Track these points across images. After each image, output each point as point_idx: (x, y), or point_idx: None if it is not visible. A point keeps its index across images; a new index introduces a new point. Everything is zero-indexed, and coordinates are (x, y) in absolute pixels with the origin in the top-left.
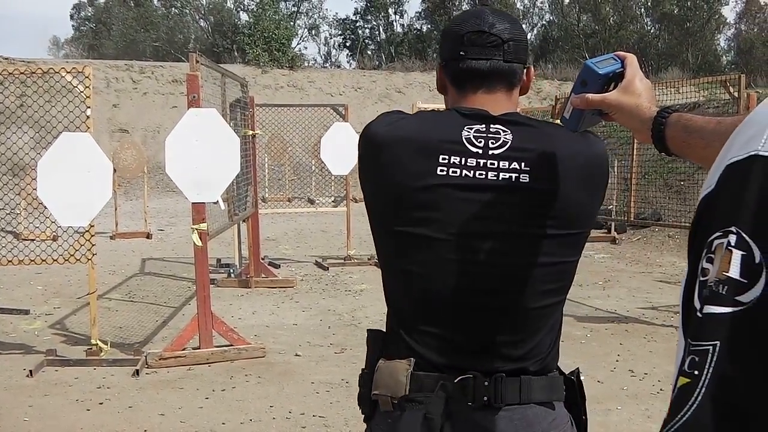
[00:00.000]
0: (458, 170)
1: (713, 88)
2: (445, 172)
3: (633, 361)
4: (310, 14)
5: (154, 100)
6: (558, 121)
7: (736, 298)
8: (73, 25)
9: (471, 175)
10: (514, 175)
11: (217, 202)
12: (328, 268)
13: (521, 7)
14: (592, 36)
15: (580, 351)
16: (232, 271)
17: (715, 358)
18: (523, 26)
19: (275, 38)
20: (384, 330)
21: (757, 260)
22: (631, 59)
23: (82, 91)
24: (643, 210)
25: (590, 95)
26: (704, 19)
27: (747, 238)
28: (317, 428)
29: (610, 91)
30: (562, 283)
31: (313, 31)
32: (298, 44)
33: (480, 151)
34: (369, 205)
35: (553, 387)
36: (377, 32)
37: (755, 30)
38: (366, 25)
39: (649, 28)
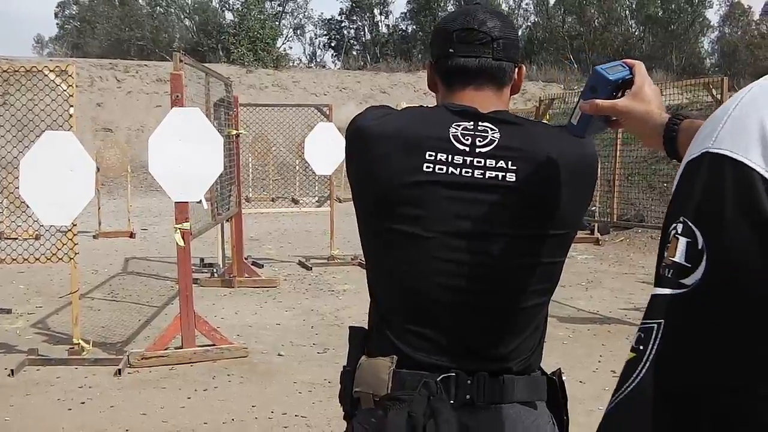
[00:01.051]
0: (444, 167)
1: (696, 91)
2: (431, 169)
3: (615, 362)
4: (296, 14)
5: (138, 99)
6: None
7: (680, 280)
8: (57, 24)
9: (457, 172)
10: (500, 174)
11: (200, 202)
12: (311, 268)
13: (506, 9)
14: (576, 38)
15: (562, 352)
16: (215, 270)
17: (659, 336)
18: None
19: (260, 38)
20: (366, 327)
21: (700, 246)
22: (640, 66)
23: (65, 90)
24: (626, 211)
25: (600, 101)
26: (688, 22)
27: (692, 226)
28: (299, 428)
29: (619, 97)
30: (548, 284)
31: (299, 31)
32: (283, 44)
33: (467, 149)
34: (356, 200)
35: (535, 387)
36: (362, 33)
37: (738, 33)
38: (351, 26)
39: (633, 30)
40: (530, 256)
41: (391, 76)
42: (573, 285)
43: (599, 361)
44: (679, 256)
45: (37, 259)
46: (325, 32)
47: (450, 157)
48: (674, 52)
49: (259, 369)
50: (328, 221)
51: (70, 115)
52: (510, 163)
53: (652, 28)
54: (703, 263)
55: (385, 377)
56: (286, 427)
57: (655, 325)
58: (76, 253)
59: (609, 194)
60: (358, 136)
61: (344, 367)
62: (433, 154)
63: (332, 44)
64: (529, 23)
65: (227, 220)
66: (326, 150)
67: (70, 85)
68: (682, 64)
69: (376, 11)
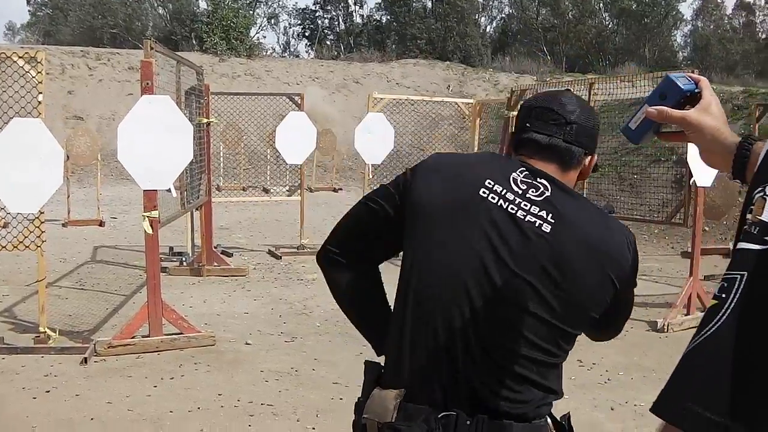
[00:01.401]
0: (496, 198)
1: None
2: (486, 195)
3: (581, 351)
4: (270, 3)
5: (109, 87)
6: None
7: (766, 238)
8: (29, 11)
9: (505, 206)
10: (538, 222)
11: (169, 190)
12: (280, 257)
13: (482, 0)
14: (550, 30)
15: None
16: (184, 259)
17: (742, 286)
18: (485, 25)
19: (233, 27)
20: (381, 363)
21: None
22: (706, 82)
23: (34, 77)
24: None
25: (670, 109)
26: (662, 15)
27: None
28: (265, 416)
29: (682, 110)
30: (553, 346)
31: (273, 21)
32: (256, 33)
33: (519, 192)
34: (409, 221)
35: None
36: (336, 23)
37: (711, 27)
38: (325, 16)
39: (607, 23)
40: (542, 310)
41: (364, 66)
42: None
43: None
44: (766, 215)
45: (3, 247)
46: (299, 22)
47: (504, 191)
48: (647, 45)
49: (227, 357)
50: (298, 210)
51: (39, 102)
52: (551, 216)
53: (625, 21)
54: None
55: (391, 407)
56: (252, 416)
57: (739, 276)
58: (43, 241)
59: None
60: (434, 162)
61: (358, 398)
62: (492, 183)
63: (306, 34)
64: (503, 15)
65: (197, 209)
66: (297, 139)
67: (39, 72)
68: (655, 57)
69: (351, 1)
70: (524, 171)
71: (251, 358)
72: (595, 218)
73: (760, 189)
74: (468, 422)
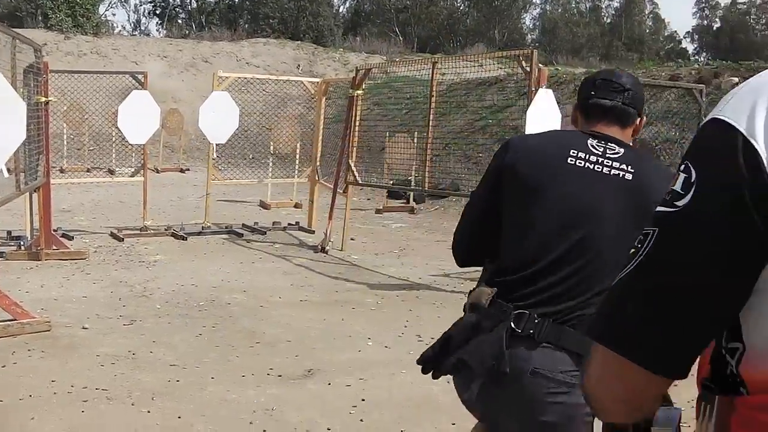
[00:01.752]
0: (582, 162)
1: (509, 62)
2: (573, 162)
3: (421, 327)
4: None
5: None
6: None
7: (675, 203)
8: None
9: (591, 167)
10: (621, 173)
11: (0, 171)
12: (123, 239)
13: None
14: (402, 11)
15: (370, 317)
16: (22, 243)
17: (653, 239)
18: (338, 5)
19: (80, 3)
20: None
21: (693, 179)
22: None
23: None
24: (441, 180)
25: None
26: None
27: (690, 165)
28: (99, 401)
29: None
30: None
31: None
32: (106, 10)
33: (600, 153)
34: (507, 185)
35: (587, 345)
36: (188, 1)
37: (559, 11)
38: None
39: (458, 4)
40: (622, 241)
41: (213, 45)
42: (385, 253)
43: (405, 326)
44: (677, 186)
45: None
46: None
47: (587, 155)
48: (497, 27)
49: (62, 343)
50: (142, 191)
51: None
52: (629, 167)
53: (476, 3)
54: (692, 191)
55: (483, 300)
56: (85, 401)
57: (651, 231)
58: None
59: (425, 164)
60: (518, 143)
61: (471, 288)
62: (576, 151)
63: (157, 12)
64: None
65: (35, 191)
66: (140, 119)
67: None
68: (504, 38)
69: None
70: (595, 139)
71: (87, 343)
72: (660, 172)
73: (679, 166)
74: (536, 321)
